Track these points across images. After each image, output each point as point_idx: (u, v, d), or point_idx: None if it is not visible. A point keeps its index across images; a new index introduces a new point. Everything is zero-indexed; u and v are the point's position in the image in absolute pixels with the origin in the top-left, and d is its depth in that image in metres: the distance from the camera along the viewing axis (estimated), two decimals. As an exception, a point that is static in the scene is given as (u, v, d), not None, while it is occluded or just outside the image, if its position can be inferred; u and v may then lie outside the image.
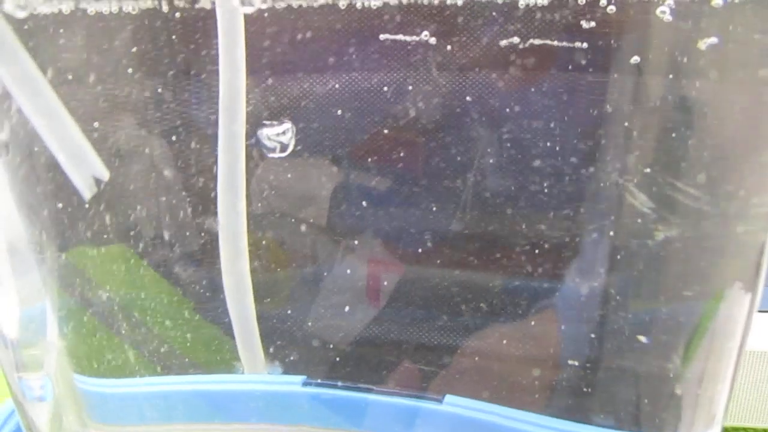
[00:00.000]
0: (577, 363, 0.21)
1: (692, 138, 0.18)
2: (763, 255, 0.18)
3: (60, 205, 0.20)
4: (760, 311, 0.35)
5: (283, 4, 0.15)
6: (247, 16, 0.18)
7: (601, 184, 0.19)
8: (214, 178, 0.20)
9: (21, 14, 0.16)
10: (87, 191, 0.19)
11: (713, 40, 0.16)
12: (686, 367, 0.20)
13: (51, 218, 0.20)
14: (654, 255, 0.19)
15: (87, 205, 0.19)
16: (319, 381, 0.21)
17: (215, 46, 0.18)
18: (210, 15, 0.17)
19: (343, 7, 0.15)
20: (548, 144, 0.19)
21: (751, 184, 0.18)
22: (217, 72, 0.19)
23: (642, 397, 0.21)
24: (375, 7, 0.16)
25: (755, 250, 0.18)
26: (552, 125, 0.19)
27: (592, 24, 0.17)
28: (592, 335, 0.21)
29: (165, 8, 0.16)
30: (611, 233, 0.20)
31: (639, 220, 0.19)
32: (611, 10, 0.16)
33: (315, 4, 0.15)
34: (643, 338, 0.20)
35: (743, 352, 0.20)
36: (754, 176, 0.18)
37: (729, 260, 0.19)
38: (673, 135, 0.18)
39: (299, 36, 0.18)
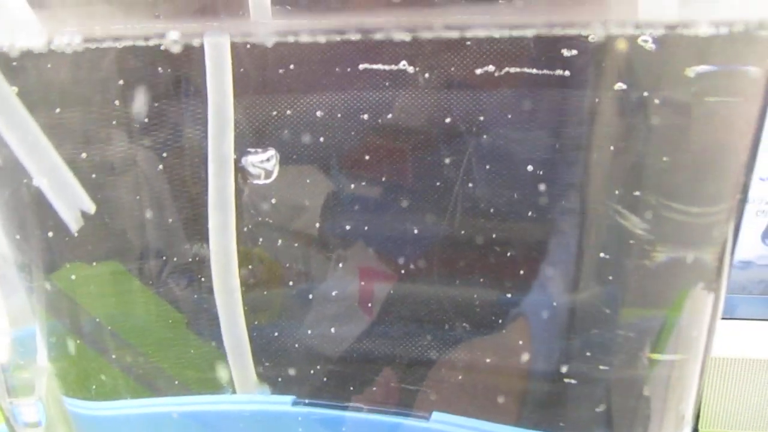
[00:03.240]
0: (559, 375, 0.21)
1: (666, 155, 0.19)
2: (723, 260, 0.19)
3: (50, 234, 0.20)
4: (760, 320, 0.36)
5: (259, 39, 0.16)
6: (233, 45, 0.18)
7: (581, 203, 0.20)
8: (205, 198, 0.20)
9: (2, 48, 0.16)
10: (74, 224, 0.19)
11: (696, 67, 0.17)
12: (654, 371, 0.20)
13: (40, 244, 0.21)
14: (624, 266, 0.20)
15: (75, 233, 0.19)
16: (308, 401, 0.22)
17: (203, 72, 0.18)
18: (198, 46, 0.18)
19: (323, 42, 0.16)
20: (532, 165, 0.20)
21: (714, 194, 0.19)
22: (206, 97, 0.19)
23: (613, 402, 0.21)
24: (355, 40, 0.16)
25: (716, 256, 0.19)
26: (536, 147, 0.20)
27: (574, 52, 0.17)
28: (570, 347, 0.21)
29: (151, 43, 0.16)
30: (587, 249, 0.20)
31: (613, 234, 0.19)
32: (593, 39, 0.17)
33: (300, 41, 0.16)
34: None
35: (709, 355, 0.20)
36: (718, 187, 0.19)
37: (692, 266, 0.19)
38: (648, 153, 0.19)
39: (282, 63, 0.18)
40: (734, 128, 0.18)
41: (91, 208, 0.19)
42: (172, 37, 0.16)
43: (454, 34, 0.16)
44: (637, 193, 0.19)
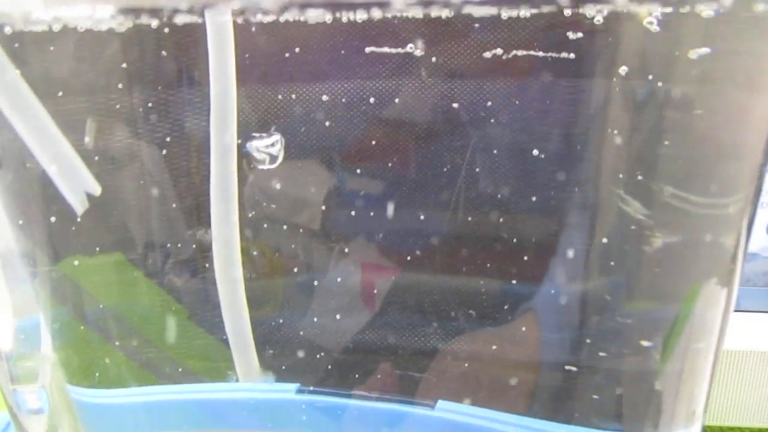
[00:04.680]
0: (567, 365, 0.21)
1: (676, 143, 0.18)
2: (737, 251, 0.19)
3: (53, 219, 0.20)
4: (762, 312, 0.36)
5: (267, 19, 0.16)
6: (236, 27, 0.18)
7: (588, 191, 0.20)
8: (208, 187, 0.20)
9: (7, 30, 0.16)
10: (79, 207, 0.19)
11: (702, 50, 0.16)
12: (665, 364, 0.20)
13: (43, 231, 0.21)
14: (634, 256, 0.20)
15: (79, 219, 0.19)
16: (312, 388, 0.21)
17: (206, 57, 0.18)
18: (200, 28, 0.18)
19: (329, 22, 0.15)
20: (538, 151, 0.20)
21: (727, 185, 0.18)
22: (208, 84, 0.19)
23: (624, 395, 0.21)
24: (360, 21, 0.16)
25: (730, 247, 0.19)
26: (540, 133, 0.19)
27: (579, 35, 0.17)
28: (578, 337, 0.21)
29: (154, 24, 0.16)
30: (595, 237, 0.20)
31: (622, 223, 0.19)
32: (598, 21, 0.17)
33: (302, 19, 0.15)
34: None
35: (721, 348, 0.20)
36: (732, 178, 0.18)
37: (705, 258, 0.19)
38: (657, 140, 0.18)
39: (286, 47, 0.18)
40: (751, 116, 0.18)
41: (96, 190, 0.19)
42: (175, 11, 0.16)
43: (459, 12, 0.15)
44: (649, 181, 0.19)
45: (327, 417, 0.21)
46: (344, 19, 0.15)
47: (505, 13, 0.16)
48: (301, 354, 0.22)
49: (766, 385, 0.38)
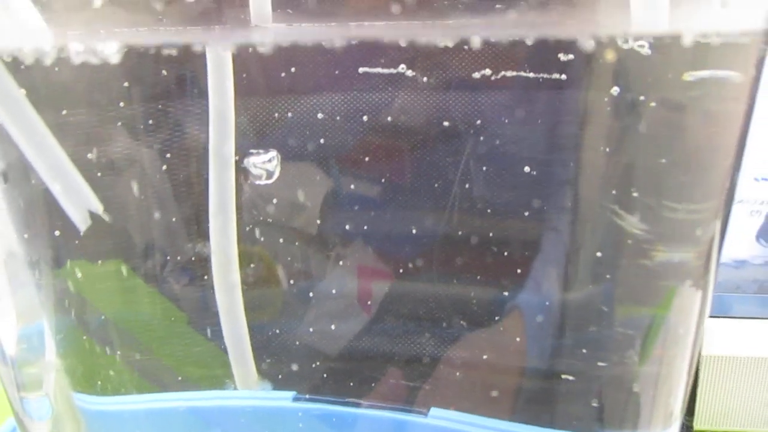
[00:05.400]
0: (553, 371, 0.22)
1: (658, 156, 0.19)
2: (711, 257, 0.19)
3: (57, 233, 0.20)
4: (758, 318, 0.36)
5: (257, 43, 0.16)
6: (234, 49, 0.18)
7: (572, 204, 0.20)
8: (206, 198, 0.21)
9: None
10: (82, 224, 0.19)
11: (691, 73, 0.17)
12: (643, 366, 0.21)
13: (47, 242, 0.21)
14: (614, 261, 0.20)
15: (82, 232, 0.20)
16: (308, 396, 0.22)
17: (205, 76, 0.19)
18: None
19: (323, 46, 0.16)
20: (529, 168, 0.20)
21: (701, 193, 0.19)
22: (207, 100, 0.19)
23: (606, 398, 0.22)
24: (354, 44, 0.16)
25: (703, 253, 0.19)
26: (533, 150, 0.20)
27: (571, 56, 0.17)
28: (565, 344, 0.22)
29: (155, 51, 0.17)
30: (578, 246, 0.20)
31: (606, 230, 0.20)
32: (590, 45, 0.17)
33: (300, 45, 0.16)
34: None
35: (697, 352, 0.21)
36: (705, 185, 0.19)
37: (679, 261, 0.20)
38: (643, 154, 0.19)
39: (282, 67, 0.19)
40: (721, 130, 0.18)
41: (98, 208, 0.19)
42: (175, 42, 0.17)
43: (451, 43, 0.16)
44: (629, 192, 0.19)
45: (323, 424, 0.22)
46: (337, 44, 0.16)
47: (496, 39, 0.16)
48: (297, 362, 0.23)
49: (757, 390, 0.39)
